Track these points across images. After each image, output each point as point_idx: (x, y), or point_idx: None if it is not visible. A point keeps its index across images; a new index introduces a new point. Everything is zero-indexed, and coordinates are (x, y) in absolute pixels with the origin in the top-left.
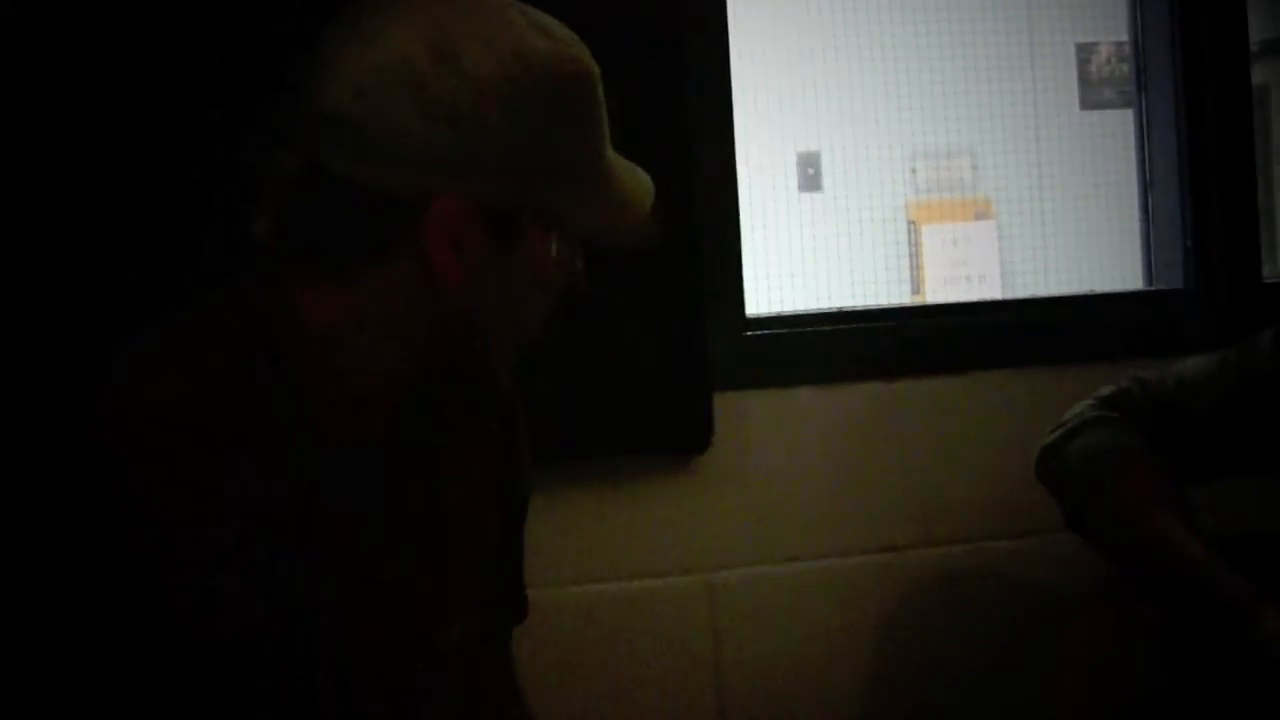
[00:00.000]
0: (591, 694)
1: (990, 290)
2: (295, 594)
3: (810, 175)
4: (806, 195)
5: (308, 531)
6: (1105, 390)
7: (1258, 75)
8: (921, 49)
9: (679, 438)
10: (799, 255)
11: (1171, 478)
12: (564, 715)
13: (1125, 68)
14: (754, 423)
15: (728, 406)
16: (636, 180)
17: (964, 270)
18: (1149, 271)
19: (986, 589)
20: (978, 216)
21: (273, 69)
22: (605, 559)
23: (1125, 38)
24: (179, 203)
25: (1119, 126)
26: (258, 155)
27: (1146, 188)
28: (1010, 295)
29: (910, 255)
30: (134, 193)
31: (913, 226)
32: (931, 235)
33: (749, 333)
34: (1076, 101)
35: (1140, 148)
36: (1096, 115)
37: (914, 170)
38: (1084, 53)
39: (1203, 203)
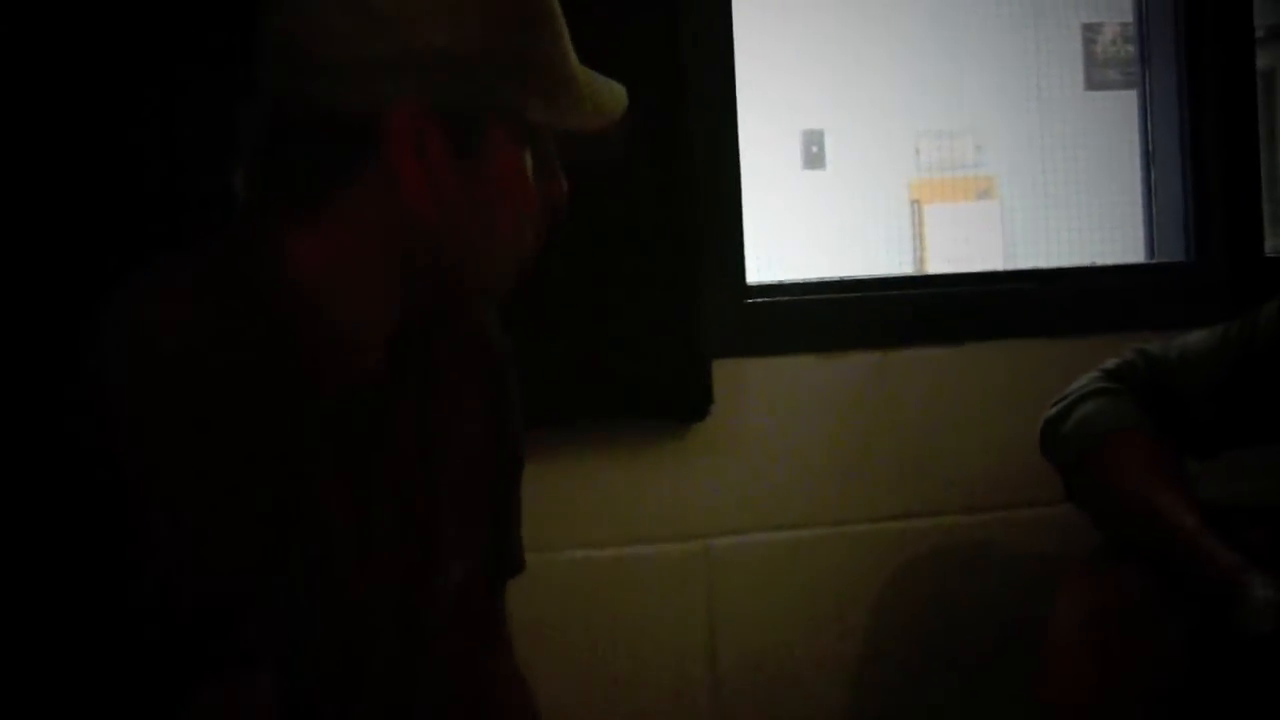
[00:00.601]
0: (586, 660)
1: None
2: (290, 535)
3: (814, 153)
4: (810, 173)
5: (302, 475)
6: (1109, 363)
7: (1262, 60)
8: (927, 28)
9: (677, 405)
10: (802, 232)
11: (1168, 448)
12: (558, 681)
13: (1130, 48)
14: (753, 391)
15: (726, 374)
16: (606, 87)
17: (966, 249)
18: (1150, 245)
19: (984, 559)
20: (981, 196)
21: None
22: (602, 525)
23: (1130, 18)
24: (157, 159)
25: (1124, 107)
26: (230, 101)
27: (1149, 161)
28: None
29: (913, 234)
30: (108, 153)
31: (916, 205)
32: (934, 214)
33: (748, 300)
34: (1082, 81)
35: (1143, 121)
36: (1101, 96)
37: (917, 150)
38: (1090, 33)
39: (1204, 176)
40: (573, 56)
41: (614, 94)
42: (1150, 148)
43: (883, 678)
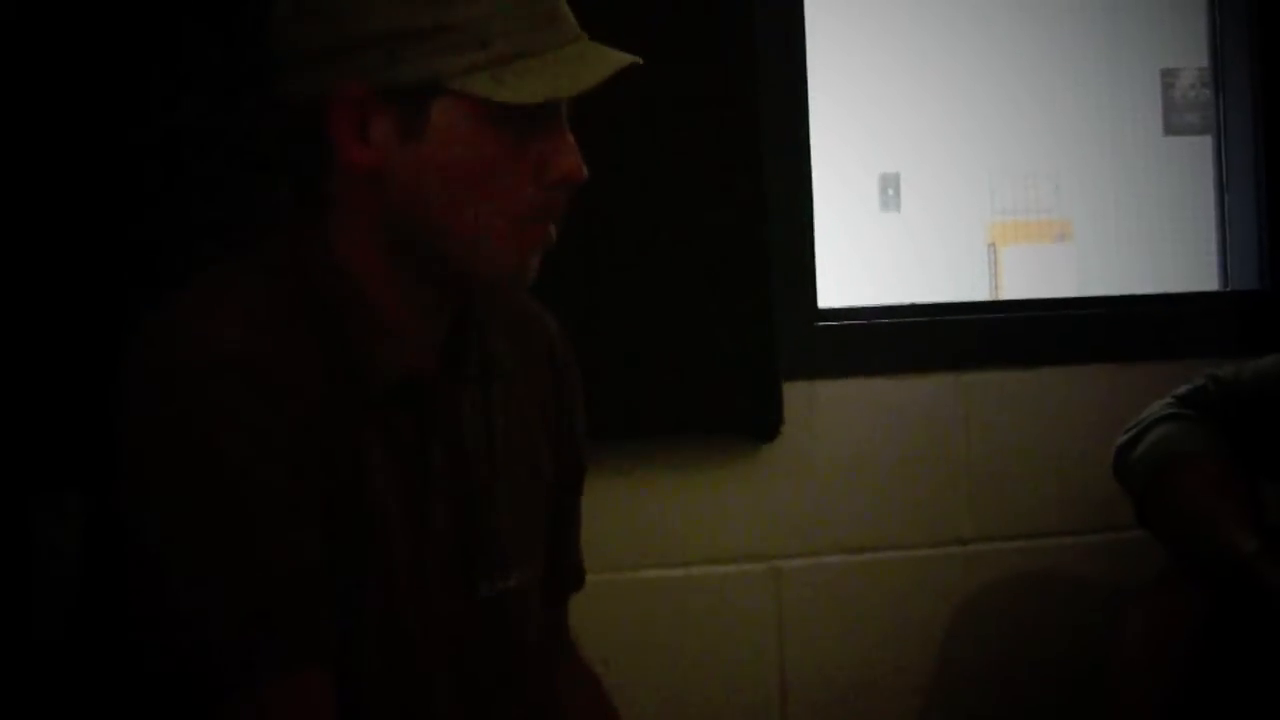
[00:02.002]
0: (655, 680)
1: None
2: (345, 531)
3: (890, 196)
4: (886, 215)
5: (357, 470)
6: (1182, 389)
7: None
8: (1005, 72)
9: (748, 424)
10: (879, 275)
11: (1238, 472)
12: (628, 701)
13: (1208, 93)
14: (823, 412)
15: (798, 396)
16: (590, 54)
17: (1042, 292)
18: (1224, 273)
19: (1052, 585)
20: (1058, 239)
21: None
22: (672, 544)
23: (1207, 63)
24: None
25: (1202, 152)
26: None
27: (1223, 189)
28: None
29: (990, 276)
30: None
31: (992, 248)
32: (1011, 256)
33: (820, 323)
34: (1160, 126)
35: (1218, 150)
36: (1180, 141)
37: (993, 192)
38: (1168, 78)
39: (1278, 203)
40: (542, 27)
41: (601, 60)
42: (1224, 176)
43: (951, 701)
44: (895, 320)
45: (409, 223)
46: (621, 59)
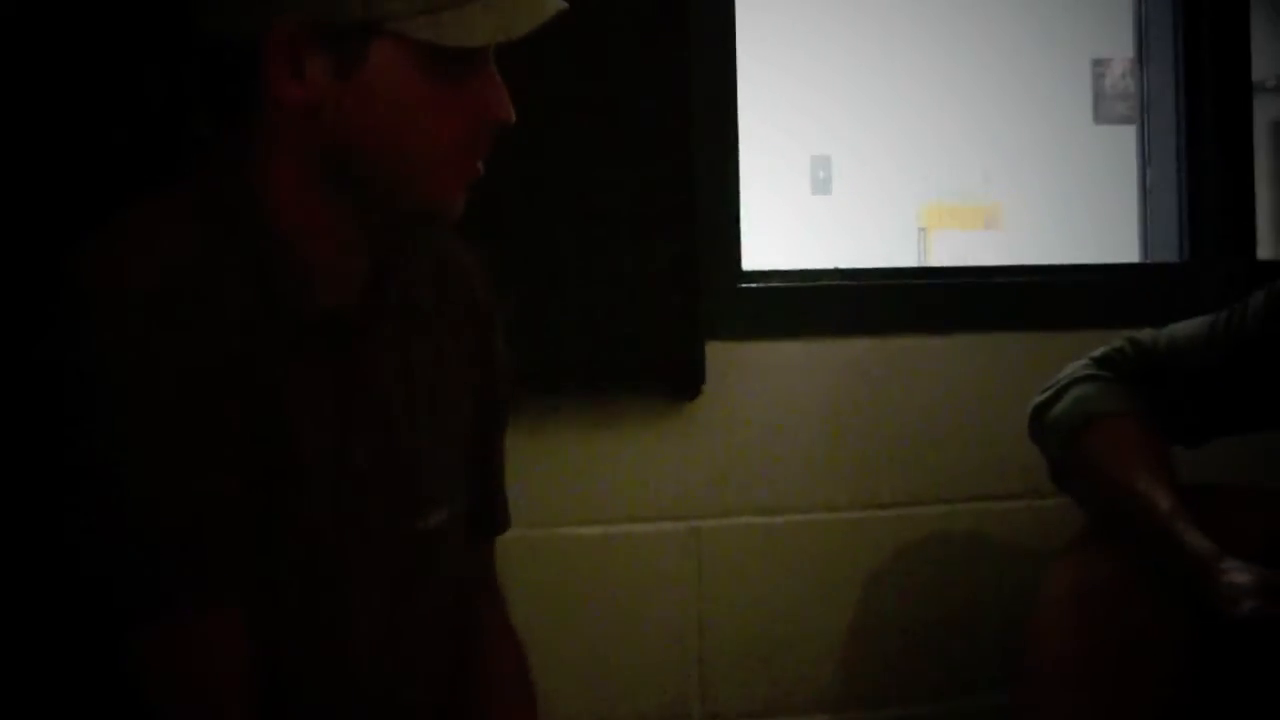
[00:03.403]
0: (574, 637)
1: None
2: (263, 464)
3: (821, 178)
4: (817, 198)
5: (280, 410)
6: (1099, 350)
7: (1276, 109)
8: (939, 58)
9: (670, 383)
10: (809, 257)
11: (1153, 433)
12: (546, 657)
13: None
14: (746, 373)
15: (720, 356)
16: (511, 2)
17: None
18: (1145, 247)
19: (972, 549)
20: (988, 224)
21: None
22: (592, 501)
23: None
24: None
25: (1130, 141)
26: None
27: (1145, 164)
28: None
29: (920, 260)
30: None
31: (923, 232)
32: (941, 240)
33: (743, 285)
34: (1090, 115)
35: (1141, 129)
36: (1109, 129)
37: (925, 176)
38: (1099, 67)
39: (1199, 179)
40: None
41: (533, 8)
42: (1147, 152)
43: (870, 660)
44: (819, 284)
45: (342, 157)
46: (556, 5)
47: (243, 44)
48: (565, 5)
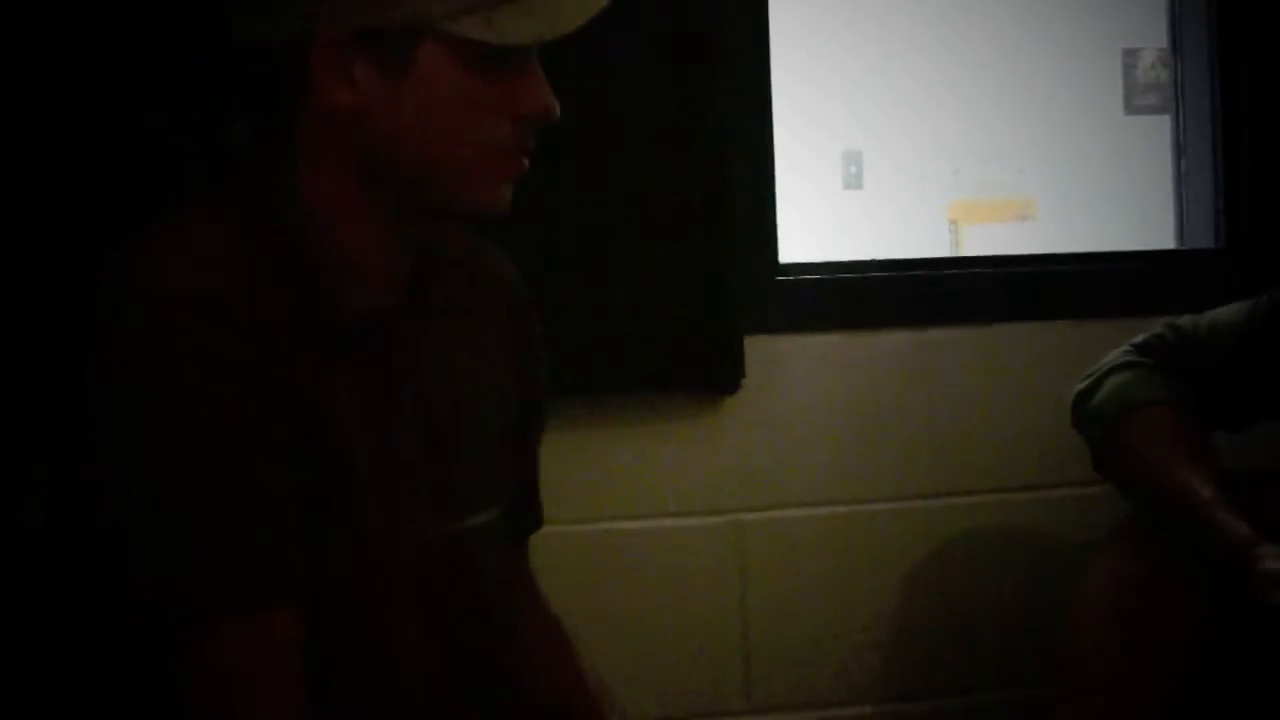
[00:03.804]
0: (617, 631)
1: None
2: (313, 467)
3: (853, 173)
4: (849, 193)
5: (325, 411)
6: (1139, 338)
7: None
8: (968, 50)
9: (709, 378)
10: (841, 252)
11: (1193, 420)
12: (590, 652)
13: (1168, 73)
14: (784, 367)
15: (758, 350)
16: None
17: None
18: (1180, 234)
19: (1010, 538)
20: (1019, 217)
21: None
22: (634, 496)
23: (1166, 43)
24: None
25: (1161, 132)
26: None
27: (1180, 151)
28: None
29: (951, 254)
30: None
31: (954, 226)
32: (973, 235)
33: (780, 278)
34: (1121, 105)
35: (1176, 116)
36: (1141, 120)
37: (957, 170)
38: (1130, 58)
39: (1235, 164)
40: None
41: (578, 5)
42: (1181, 139)
43: (911, 652)
44: (855, 275)
45: (389, 159)
46: (600, 2)
47: (286, 51)
48: (607, 2)
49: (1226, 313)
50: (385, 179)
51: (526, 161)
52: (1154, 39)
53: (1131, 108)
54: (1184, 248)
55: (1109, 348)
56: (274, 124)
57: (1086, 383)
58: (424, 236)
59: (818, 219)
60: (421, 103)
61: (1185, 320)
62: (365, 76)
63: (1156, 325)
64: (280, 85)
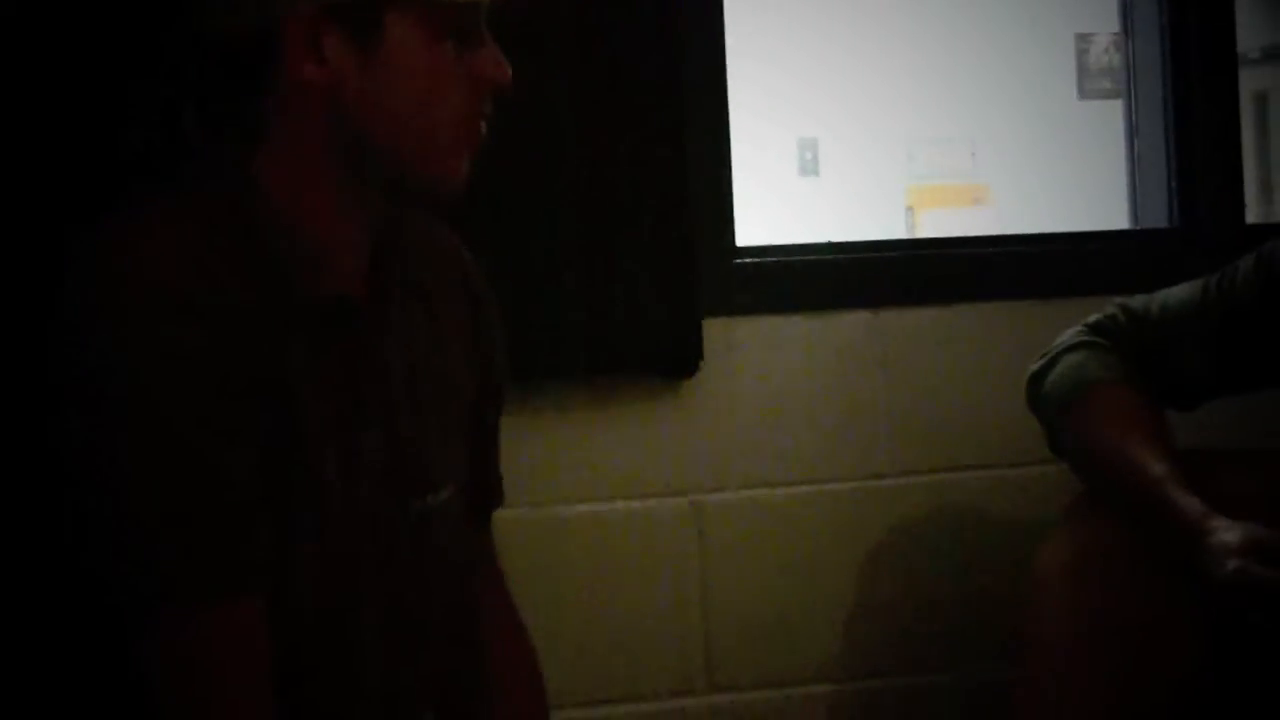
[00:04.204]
0: (578, 615)
1: None
2: (277, 454)
3: (809, 160)
4: (805, 179)
5: (289, 397)
6: (1092, 318)
7: (1259, 81)
8: (922, 37)
9: (667, 361)
10: (797, 238)
11: (1146, 399)
12: (549, 636)
13: (1121, 58)
14: (742, 349)
15: (716, 333)
16: None
17: None
18: (1134, 215)
19: (969, 517)
20: (975, 202)
21: None
22: (593, 479)
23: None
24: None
25: (1115, 116)
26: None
27: (1133, 134)
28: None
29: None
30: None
31: (910, 211)
32: (929, 220)
33: (738, 261)
34: (1074, 91)
35: (1128, 97)
36: (1094, 105)
37: (912, 156)
38: (1083, 42)
39: (1187, 146)
40: None
41: None
42: (1135, 119)
43: (871, 631)
44: (812, 258)
45: (359, 136)
46: None
47: (251, 35)
48: None
49: (1178, 292)
50: (354, 157)
51: (484, 127)
52: (1106, 23)
53: (1085, 92)
54: (1138, 228)
55: (1065, 327)
56: (235, 110)
57: (1040, 363)
58: (385, 221)
59: (775, 206)
60: (391, 74)
61: (1137, 300)
62: (335, 52)
63: (1108, 305)
64: (246, 70)
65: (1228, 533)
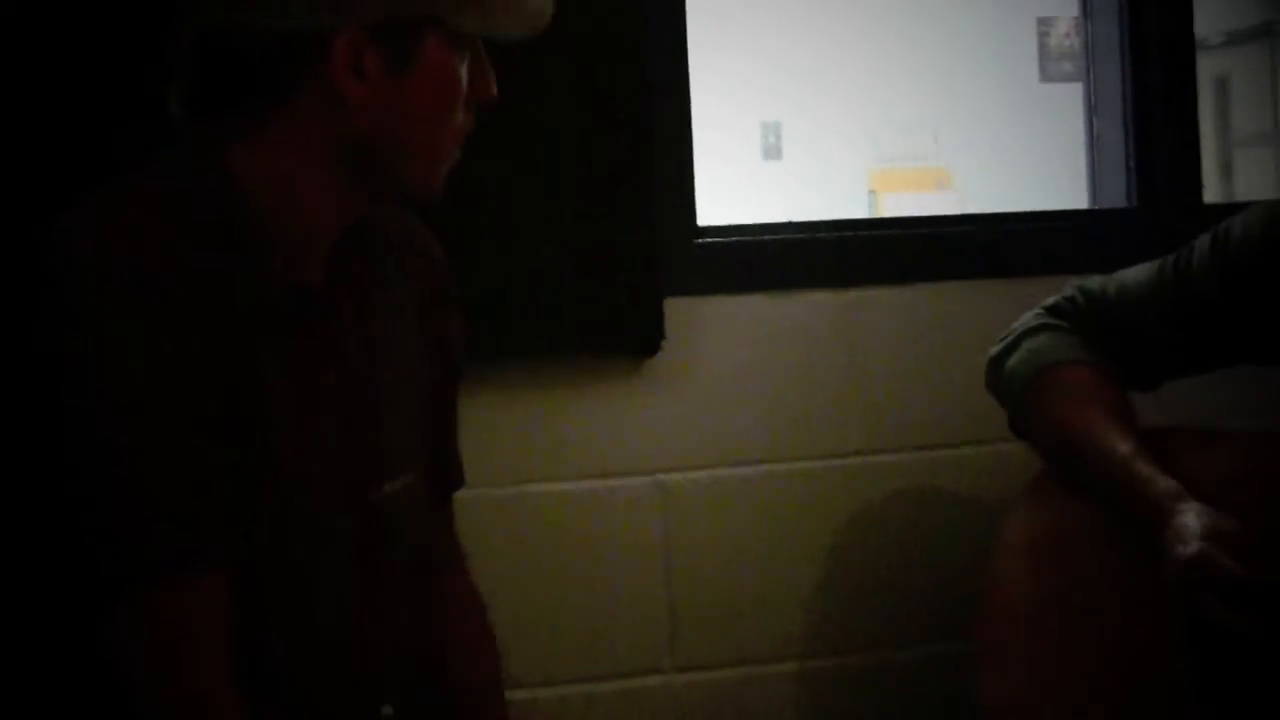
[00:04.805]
0: (542, 594)
1: None
2: (241, 440)
3: (772, 144)
4: (769, 164)
5: (251, 379)
6: (1050, 300)
7: (1219, 65)
8: (885, 21)
9: (630, 340)
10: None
11: (1108, 379)
12: (514, 616)
13: (1082, 41)
14: (705, 328)
15: (679, 312)
16: None
17: None
18: (1093, 194)
19: (932, 496)
20: (938, 186)
21: None
22: (556, 459)
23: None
24: (100, 89)
25: (1076, 100)
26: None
27: (1091, 114)
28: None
29: None
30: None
31: (873, 195)
32: (892, 204)
33: (700, 240)
34: (1036, 74)
35: (1087, 78)
36: (1055, 88)
37: (875, 140)
38: (1044, 26)
39: (1146, 128)
40: None
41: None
42: (1093, 100)
43: (835, 609)
44: (775, 237)
45: (368, 143)
46: None
47: (296, 39)
48: None
49: (1135, 272)
50: (355, 161)
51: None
52: (1067, 7)
53: (1046, 75)
54: (1098, 208)
55: (1027, 305)
56: (233, 105)
57: (1000, 346)
58: (356, 212)
59: (738, 190)
60: (417, 91)
61: (1095, 281)
62: (374, 69)
63: (1067, 287)
64: (264, 69)
65: (1196, 516)
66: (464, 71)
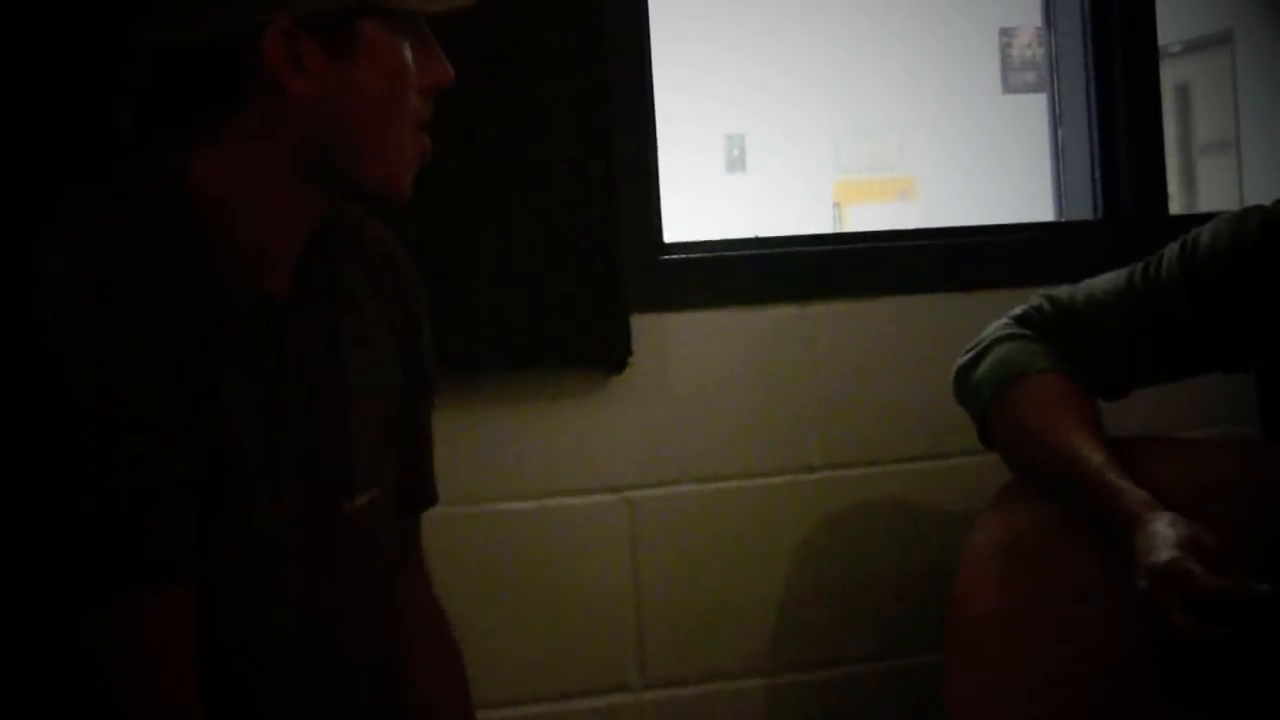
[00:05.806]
0: (510, 612)
1: None
2: (202, 449)
3: (735, 156)
4: (732, 176)
5: (213, 390)
6: (1018, 309)
7: (1180, 73)
8: (848, 32)
9: (596, 357)
10: (725, 234)
11: (1077, 388)
12: (482, 634)
13: (1044, 52)
14: (671, 344)
15: (645, 328)
16: None
17: None
18: (1059, 204)
19: (901, 509)
20: (902, 196)
21: None
22: (523, 476)
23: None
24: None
25: (1038, 110)
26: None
27: (1056, 125)
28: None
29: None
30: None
31: (838, 207)
32: (856, 215)
33: (666, 257)
34: (999, 84)
35: (1052, 89)
36: (1018, 99)
37: (838, 151)
38: (1006, 36)
39: (1111, 140)
40: None
41: None
42: (1058, 110)
43: (803, 624)
44: (739, 253)
45: (319, 139)
46: None
47: (229, 44)
48: None
49: (1103, 282)
50: (309, 160)
51: (429, 141)
52: (1030, 17)
53: (1009, 85)
54: (1063, 220)
55: (992, 318)
56: (183, 113)
57: (967, 356)
58: (320, 220)
59: (703, 203)
60: (360, 78)
61: (1062, 291)
62: (313, 60)
63: (1034, 296)
64: (207, 76)
65: (1168, 525)
66: (409, 54)
